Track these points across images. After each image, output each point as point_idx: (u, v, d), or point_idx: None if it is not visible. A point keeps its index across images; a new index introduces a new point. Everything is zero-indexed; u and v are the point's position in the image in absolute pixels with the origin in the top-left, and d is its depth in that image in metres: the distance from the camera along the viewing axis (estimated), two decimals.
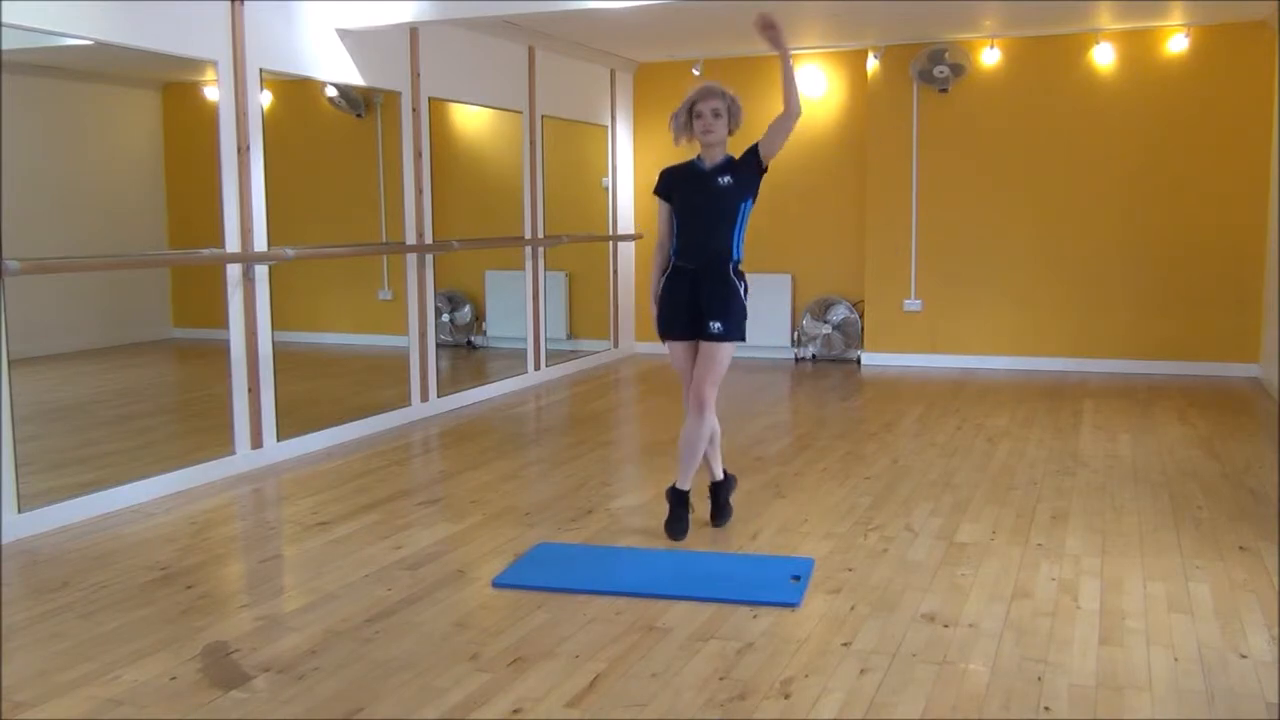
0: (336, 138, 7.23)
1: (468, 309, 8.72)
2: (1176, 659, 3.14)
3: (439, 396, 7.14)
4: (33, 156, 6.35)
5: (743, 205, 4.21)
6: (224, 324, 5.49)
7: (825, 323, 9.22)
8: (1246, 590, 3.69)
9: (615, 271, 9.49)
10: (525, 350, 8.26)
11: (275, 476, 5.48)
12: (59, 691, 3.00)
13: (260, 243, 5.55)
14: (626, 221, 9.63)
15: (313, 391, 7.04)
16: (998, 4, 7.44)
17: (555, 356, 8.63)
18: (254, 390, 5.59)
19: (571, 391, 8.03)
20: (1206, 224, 8.22)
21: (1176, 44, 8.10)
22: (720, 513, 4.51)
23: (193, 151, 6.66)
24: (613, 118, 9.36)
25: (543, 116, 8.23)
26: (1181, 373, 8.28)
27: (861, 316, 9.14)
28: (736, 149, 4.27)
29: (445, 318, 8.45)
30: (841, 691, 2.93)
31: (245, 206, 5.47)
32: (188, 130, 6.97)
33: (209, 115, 5.42)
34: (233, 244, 5.43)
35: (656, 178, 4.37)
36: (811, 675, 3.04)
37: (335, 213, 7.32)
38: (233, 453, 5.51)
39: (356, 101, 6.97)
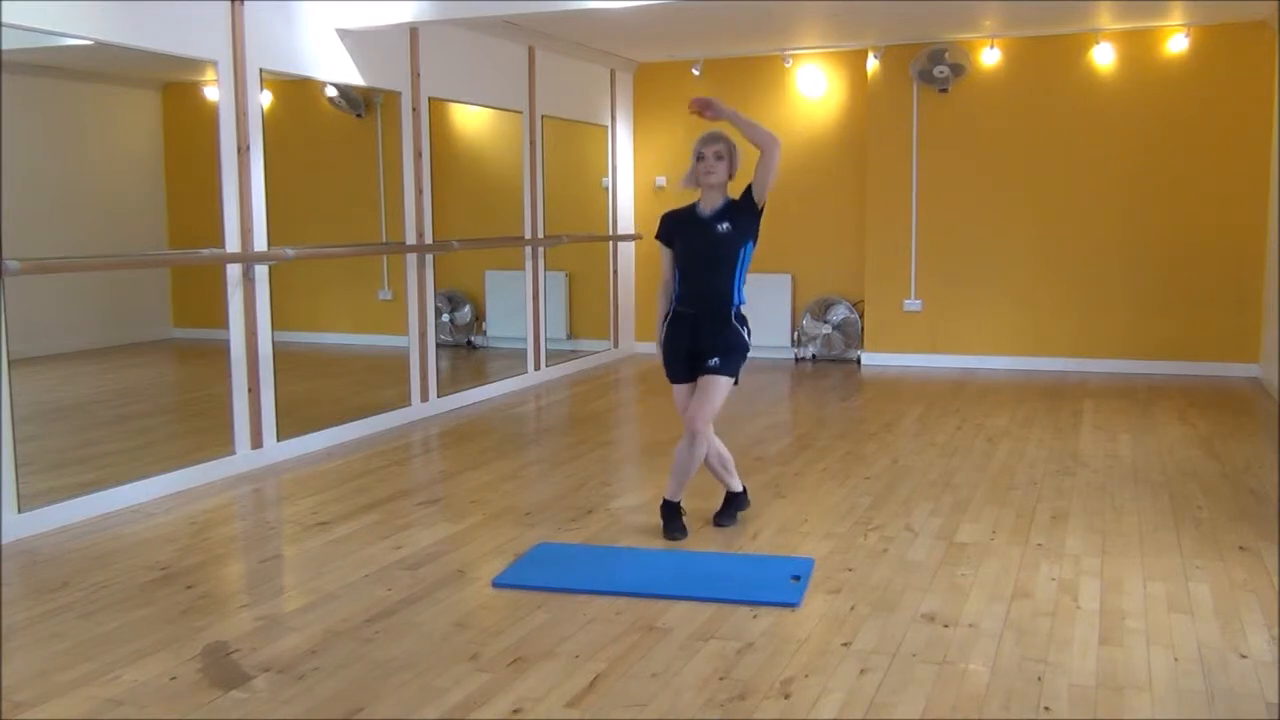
0: (336, 138, 7.23)
1: (468, 309, 8.72)
2: (1176, 659, 3.14)
3: (439, 396, 7.14)
4: (33, 156, 6.35)
5: (743, 250, 4.27)
6: (224, 324, 5.49)
7: (825, 323, 9.23)
8: (1246, 590, 3.69)
9: (615, 271, 9.49)
10: (525, 350, 8.26)
11: (275, 476, 5.48)
12: (59, 691, 3.00)
13: (260, 243, 5.55)
14: (626, 221, 9.63)
15: (313, 391, 7.04)
16: (998, 4, 7.44)
17: (555, 356, 8.63)
18: (254, 390, 5.59)
19: (571, 391, 8.03)
20: (1206, 224, 8.22)
21: (1176, 44, 8.10)
22: (724, 518, 4.53)
23: (193, 151, 6.66)
24: (613, 118, 9.36)
25: (543, 116, 8.23)
26: (1181, 373, 8.28)
27: (861, 316, 9.14)
28: (735, 189, 4.33)
29: (445, 318, 8.45)
30: (841, 691, 2.93)
31: (245, 206, 5.47)
32: (188, 130, 6.97)
33: (209, 115, 5.42)
34: (233, 244, 5.43)
35: (658, 222, 4.44)
36: (811, 675, 3.04)
37: (335, 213, 7.32)
38: (233, 453, 5.51)
39: (356, 101, 6.97)
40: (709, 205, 4.30)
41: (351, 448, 6.08)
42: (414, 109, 6.81)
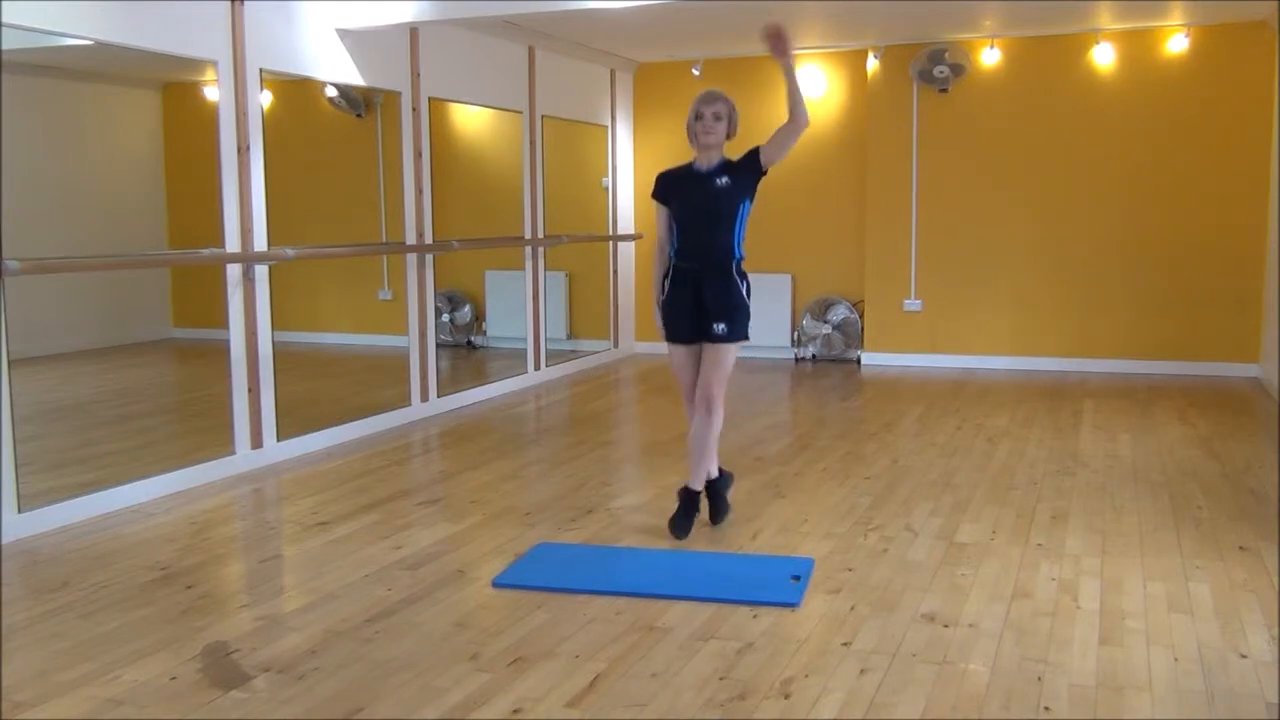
0: (336, 138, 7.23)
1: (468, 309, 8.72)
2: (1176, 659, 3.14)
3: (439, 396, 7.14)
4: (33, 156, 6.35)
5: (741, 206, 4.25)
6: (224, 324, 5.49)
7: (825, 323, 9.23)
8: (1246, 590, 3.69)
9: (615, 271, 9.49)
10: (525, 350, 8.26)
11: (275, 476, 5.48)
12: (59, 691, 3.00)
13: (260, 243, 5.55)
14: (626, 221, 9.63)
15: (313, 391, 7.04)
16: (998, 4, 7.44)
17: (555, 356, 8.63)
18: (254, 390, 5.59)
19: (571, 391, 8.03)
20: (1206, 224, 8.22)
21: (1176, 44, 8.10)
22: (718, 511, 4.51)
23: (193, 151, 6.66)
24: (613, 118, 9.36)
25: (543, 116, 8.23)
26: (1181, 373, 8.28)
27: (861, 316, 9.14)
28: (733, 154, 4.31)
29: (445, 318, 8.45)
30: (841, 691, 2.93)
31: (245, 206, 5.47)
32: (188, 130, 6.97)
33: (209, 115, 5.42)
34: (233, 244, 5.43)
35: (653, 182, 4.40)
36: (811, 675, 3.04)
37: (335, 213, 7.32)
38: (233, 453, 5.51)
39: (356, 101, 6.97)
40: (706, 163, 4.27)
41: (351, 448, 6.08)
42: (414, 109, 6.81)
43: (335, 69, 6.19)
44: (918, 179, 8.86)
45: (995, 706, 2.85)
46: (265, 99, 5.63)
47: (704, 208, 4.24)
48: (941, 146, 8.78)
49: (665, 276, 4.36)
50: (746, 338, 4.31)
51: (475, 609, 3.59)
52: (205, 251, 5.46)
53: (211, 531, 4.54)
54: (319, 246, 6.48)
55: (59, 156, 6.79)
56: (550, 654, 3.20)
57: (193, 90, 6.26)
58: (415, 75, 6.80)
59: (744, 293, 4.28)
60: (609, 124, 9.32)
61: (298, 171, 6.74)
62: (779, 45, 4.13)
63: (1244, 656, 3.15)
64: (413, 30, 6.74)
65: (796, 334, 9.35)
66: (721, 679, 3.02)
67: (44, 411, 6.13)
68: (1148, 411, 6.92)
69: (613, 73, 9.29)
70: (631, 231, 9.62)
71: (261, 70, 5.57)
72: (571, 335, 9.19)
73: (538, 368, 8.35)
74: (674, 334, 4.35)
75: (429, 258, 6.99)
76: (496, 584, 3.80)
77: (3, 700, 2.94)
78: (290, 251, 5.61)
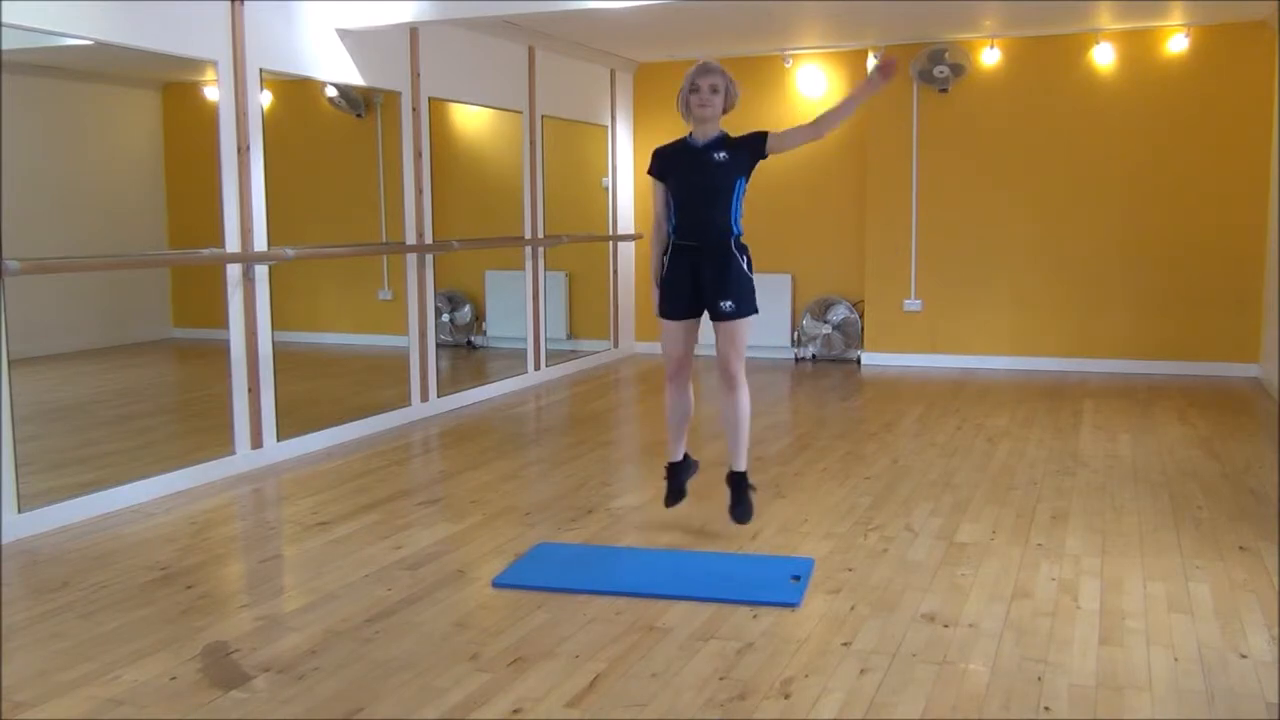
0: (336, 138, 7.23)
1: (468, 309, 8.72)
2: (1176, 659, 3.14)
3: (439, 396, 7.14)
4: (33, 156, 6.35)
5: (738, 181, 4.15)
6: (224, 324, 5.49)
7: (825, 323, 9.23)
8: (1246, 590, 3.69)
9: (615, 271, 9.50)
10: (525, 350, 8.26)
11: (275, 476, 5.48)
12: (59, 691, 3.00)
13: (260, 243, 5.55)
14: (626, 221, 9.63)
15: (313, 391, 7.05)
16: (998, 4, 7.44)
17: (555, 356, 8.63)
18: (254, 390, 5.59)
19: (571, 391, 8.03)
20: (1206, 224, 8.22)
21: (1176, 44, 8.10)
22: (673, 494, 4.44)
23: (193, 151, 6.66)
24: (613, 118, 9.36)
25: (543, 116, 8.23)
26: (1181, 373, 8.28)
27: (861, 316, 9.14)
28: (733, 129, 4.22)
29: (445, 318, 8.45)
30: (841, 691, 2.93)
31: (245, 206, 5.47)
32: (188, 130, 6.97)
33: (209, 115, 5.42)
34: (233, 244, 5.43)
35: (650, 158, 4.32)
36: (811, 675, 3.04)
37: (335, 213, 7.32)
38: (233, 453, 5.51)
39: (356, 101, 6.97)
40: (702, 136, 4.18)
41: (351, 448, 6.08)
42: (414, 109, 6.81)
43: (335, 69, 6.19)
44: (918, 179, 8.86)
45: (995, 706, 2.85)
46: (265, 99, 5.63)
47: (701, 184, 4.15)
48: (941, 146, 8.78)
49: (665, 253, 4.27)
50: (756, 310, 4.22)
51: (475, 609, 3.59)
52: (205, 251, 5.46)
53: (211, 531, 4.54)
54: (319, 246, 6.48)
55: (59, 156, 6.79)
56: (550, 654, 3.20)
57: (193, 90, 6.26)
58: (415, 75, 6.80)
59: (745, 266, 4.19)
60: (609, 124, 9.32)
61: (298, 171, 6.74)
62: (885, 74, 4.23)
63: (1244, 656, 3.15)
64: (413, 30, 6.74)
65: (796, 334, 9.35)
66: (721, 679, 3.02)
67: (44, 411, 6.13)
68: (1148, 411, 6.92)
69: (613, 73, 9.30)
70: (631, 231, 9.62)
71: (261, 70, 5.57)
72: (571, 335, 9.19)
73: (538, 368, 8.35)
74: (668, 310, 4.24)
75: (429, 258, 6.99)
76: (496, 584, 3.80)
77: (3, 700, 2.94)
78: (290, 251, 5.61)
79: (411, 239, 6.82)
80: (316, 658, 3.20)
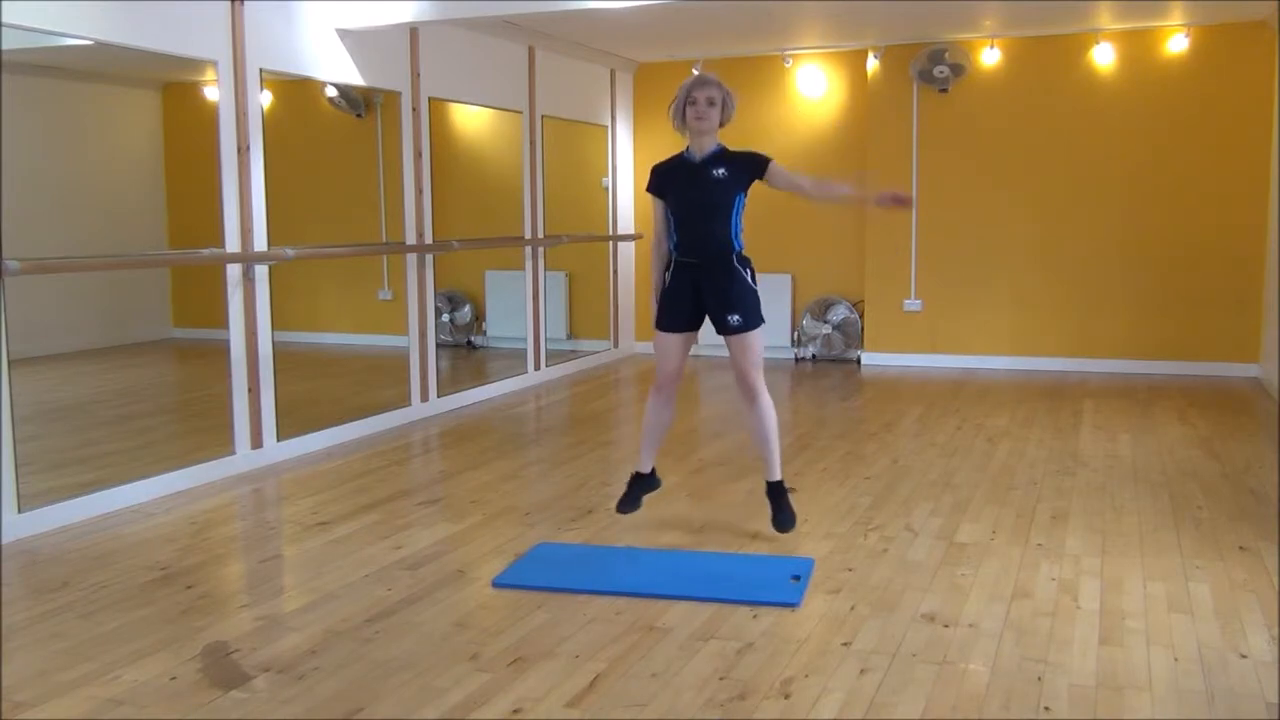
0: (336, 138, 7.23)
1: (468, 309, 8.73)
2: (1176, 659, 3.14)
3: (439, 396, 7.14)
4: (33, 156, 6.36)
5: (737, 197, 4.14)
6: (224, 324, 5.49)
7: (825, 323, 9.23)
8: (1246, 590, 3.69)
9: (615, 271, 9.50)
10: (525, 350, 8.26)
11: (275, 476, 5.48)
12: (59, 691, 3.00)
13: (260, 243, 5.55)
14: (626, 221, 9.63)
15: (313, 391, 7.05)
16: (998, 4, 7.44)
17: (555, 356, 8.63)
18: (254, 390, 5.59)
19: (571, 391, 8.03)
20: (1206, 224, 8.22)
21: (1176, 44, 8.10)
22: (629, 502, 4.39)
23: (193, 151, 6.66)
24: (613, 118, 9.36)
25: (543, 116, 8.23)
26: (1181, 373, 8.28)
27: (861, 316, 9.14)
28: (732, 142, 4.22)
29: (445, 318, 8.45)
30: (841, 691, 2.93)
31: (245, 206, 5.47)
32: (188, 130, 6.98)
33: (209, 115, 5.42)
34: (233, 244, 5.43)
35: (648, 175, 4.30)
36: (811, 675, 3.04)
37: (335, 213, 7.32)
38: (233, 453, 5.51)
39: (356, 101, 6.97)
40: (699, 150, 4.15)
41: (351, 448, 6.08)
42: (414, 109, 6.81)
43: (335, 69, 6.19)
44: (918, 179, 8.85)
45: (995, 706, 2.85)
46: (265, 99, 5.63)
47: (700, 201, 4.13)
48: (941, 146, 8.78)
49: (666, 269, 4.26)
50: (762, 322, 4.22)
51: (475, 609, 3.59)
52: (205, 251, 5.46)
53: (211, 531, 4.54)
54: (319, 246, 6.48)
55: (59, 156, 6.79)
56: (550, 654, 3.20)
57: (193, 90, 6.27)
58: (415, 75, 6.80)
59: (749, 279, 4.19)
60: (609, 124, 9.32)
61: (298, 171, 6.75)
62: (891, 202, 4.33)
63: (1244, 656, 3.15)
64: (413, 30, 6.74)
65: (796, 334, 9.35)
66: (721, 679, 3.02)
67: (44, 411, 6.14)
68: (1148, 411, 6.92)
69: (613, 73, 9.30)
70: (631, 231, 9.62)
71: (261, 70, 5.57)
72: (571, 335, 9.19)
73: (538, 368, 8.35)
74: (666, 323, 4.23)
75: (429, 258, 6.99)
76: (496, 584, 3.80)
77: (3, 700, 2.94)
78: (290, 251, 5.61)
79: (411, 239, 6.82)
80: (316, 658, 3.20)
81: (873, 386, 8.06)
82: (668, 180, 4.22)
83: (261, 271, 5.60)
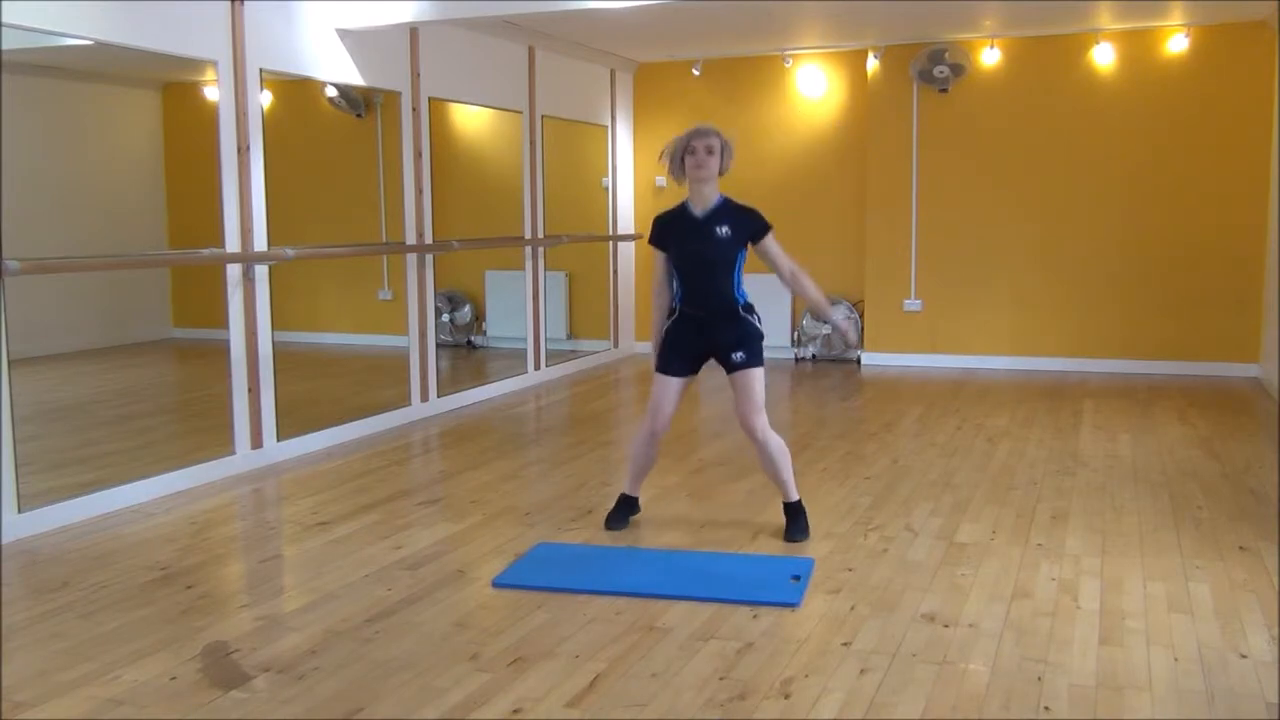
0: (336, 138, 7.24)
1: (468, 309, 8.73)
2: (1176, 659, 3.14)
3: (439, 396, 7.14)
4: (33, 156, 6.36)
5: (739, 254, 4.19)
6: (224, 324, 5.49)
7: (825, 323, 9.22)
8: (1246, 590, 3.69)
9: (615, 271, 9.50)
10: (525, 350, 8.26)
11: (275, 476, 5.48)
12: (59, 691, 3.00)
13: (260, 243, 5.55)
14: (626, 221, 9.63)
15: (313, 391, 7.05)
16: (998, 4, 7.44)
17: (555, 356, 8.63)
18: (254, 390, 5.59)
19: (571, 391, 8.03)
20: (1206, 224, 8.22)
21: (1176, 44, 8.10)
22: (617, 517, 4.51)
23: (193, 151, 6.66)
24: (613, 118, 9.36)
25: (543, 116, 8.23)
26: (1181, 373, 8.28)
27: (861, 316, 9.14)
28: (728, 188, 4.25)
29: (445, 318, 8.45)
30: (841, 691, 2.93)
31: (245, 206, 5.47)
32: (188, 130, 6.98)
33: (209, 115, 5.42)
34: (233, 244, 5.43)
35: (650, 227, 4.33)
36: (811, 675, 3.04)
37: (335, 213, 7.33)
38: (233, 453, 5.51)
39: (356, 101, 6.97)
40: (700, 204, 4.17)
41: (351, 448, 6.08)
42: (414, 109, 6.81)
43: (335, 69, 6.19)
44: (918, 179, 8.85)
45: (995, 706, 2.85)
46: (265, 99, 5.63)
47: (703, 257, 4.16)
48: (941, 146, 8.78)
49: (669, 317, 4.30)
50: (761, 363, 4.26)
51: (475, 609, 3.59)
52: (205, 251, 5.46)
53: (211, 531, 4.54)
54: (319, 246, 6.48)
55: (59, 156, 6.80)
56: (550, 654, 3.20)
57: (193, 90, 6.27)
58: (415, 75, 6.80)
59: (755, 324, 4.27)
60: (609, 124, 9.32)
61: (298, 171, 6.75)
62: (842, 334, 4.72)
63: (1244, 656, 3.15)
64: (413, 30, 6.74)
65: (796, 334, 9.35)
66: (721, 679, 3.02)
67: (44, 411, 6.14)
68: (1148, 411, 6.92)
69: (613, 73, 9.30)
70: (631, 231, 9.62)
71: (261, 70, 5.57)
72: (571, 335, 9.19)
73: (538, 368, 8.35)
74: (668, 367, 4.28)
75: (429, 258, 6.99)
76: (496, 584, 3.80)
77: (3, 700, 2.94)
78: (290, 251, 5.61)
79: (411, 239, 6.82)
80: (316, 658, 3.20)
81: (873, 386, 8.06)
82: (670, 233, 4.25)
83: (261, 271, 5.60)
